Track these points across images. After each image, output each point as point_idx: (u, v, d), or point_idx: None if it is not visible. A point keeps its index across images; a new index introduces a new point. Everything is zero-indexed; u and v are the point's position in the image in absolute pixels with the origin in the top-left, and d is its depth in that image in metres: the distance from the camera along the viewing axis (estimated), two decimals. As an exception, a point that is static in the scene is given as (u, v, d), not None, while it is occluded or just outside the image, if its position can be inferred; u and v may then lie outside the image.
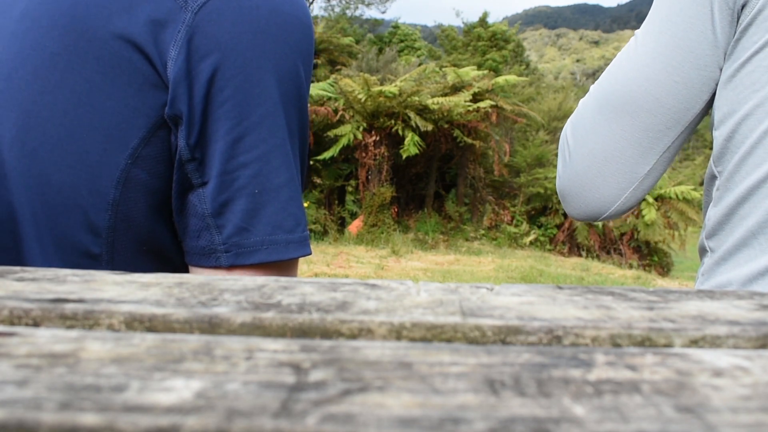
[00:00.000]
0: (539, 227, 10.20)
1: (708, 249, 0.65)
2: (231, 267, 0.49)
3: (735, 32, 0.59)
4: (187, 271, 0.56)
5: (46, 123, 0.46)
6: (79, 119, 0.46)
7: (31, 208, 0.47)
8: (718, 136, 0.62)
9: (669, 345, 0.22)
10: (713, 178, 0.65)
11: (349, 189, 11.53)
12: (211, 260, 0.49)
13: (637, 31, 0.67)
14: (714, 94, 0.62)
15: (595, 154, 0.66)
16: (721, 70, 0.60)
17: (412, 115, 9.07)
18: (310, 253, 0.52)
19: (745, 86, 0.59)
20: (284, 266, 0.51)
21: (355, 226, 9.78)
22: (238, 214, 0.48)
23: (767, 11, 0.56)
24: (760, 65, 0.57)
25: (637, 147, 0.64)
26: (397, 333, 0.22)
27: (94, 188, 0.47)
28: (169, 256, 0.54)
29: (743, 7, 0.58)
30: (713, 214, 0.64)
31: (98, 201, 0.48)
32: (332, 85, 9.66)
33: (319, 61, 13.27)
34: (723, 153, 0.62)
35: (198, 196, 0.49)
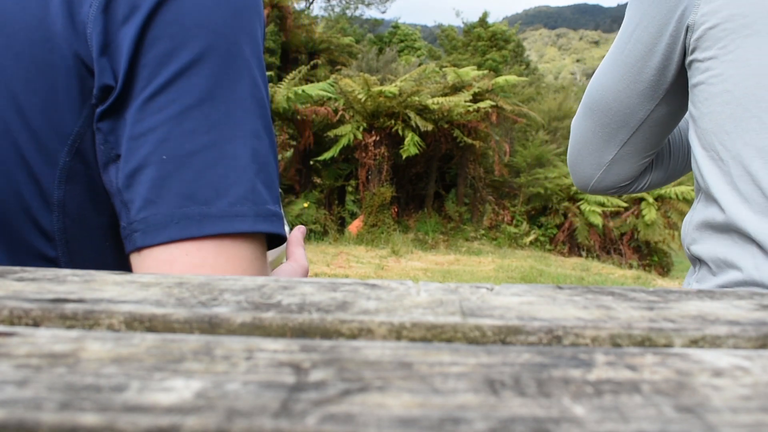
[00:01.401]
0: (539, 227, 10.20)
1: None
2: (149, 249, 0.43)
3: (684, 57, 0.69)
4: None
5: None
6: (10, 120, 0.43)
7: None
8: None
9: (669, 345, 0.22)
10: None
11: (349, 189, 11.53)
12: (129, 244, 0.44)
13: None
14: (661, 102, 0.73)
15: (576, 141, 0.82)
16: (662, 87, 0.72)
17: (412, 115, 9.07)
18: (259, 230, 0.44)
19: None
20: (222, 246, 0.43)
21: (355, 226, 9.79)
22: (146, 185, 0.42)
23: (706, 37, 0.64)
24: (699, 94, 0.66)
25: (599, 140, 0.78)
26: (397, 333, 0.22)
27: (37, 190, 0.45)
28: None
29: (690, 32, 0.66)
30: None
31: (43, 203, 0.45)
32: (332, 85, 9.66)
33: (320, 61, 13.27)
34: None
35: (113, 171, 0.44)
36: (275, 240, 0.49)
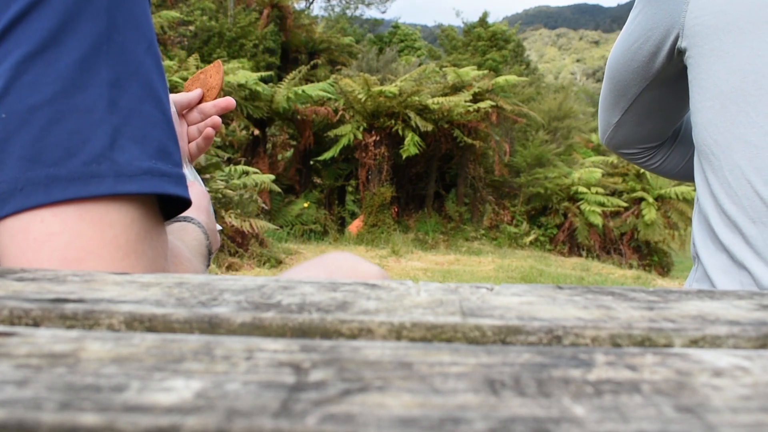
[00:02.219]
0: (539, 227, 10.20)
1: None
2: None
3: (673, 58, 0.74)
4: None
5: None
6: None
7: None
8: None
9: (669, 345, 0.22)
10: None
11: (349, 189, 11.53)
12: None
13: None
14: (654, 82, 0.79)
15: (600, 97, 0.91)
16: (651, 72, 0.77)
17: (412, 115, 9.07)
18: (120, 192, 0.38)
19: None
20: (85, 210, 0.38)
21: (355, 226, 9.78)
22: None
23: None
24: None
25: (609, 102, 0.87)
26: (397, 333, 0.22)
27: None
28: None
29: (682, 30, 0.69)
30: None
31: None
32: (332, 86, 9.66)
33: (320, 61, 13.27)
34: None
35: None
36: (178, 202, 0.44)
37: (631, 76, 0.79)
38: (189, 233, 0.60)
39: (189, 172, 0.81)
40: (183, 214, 0.60)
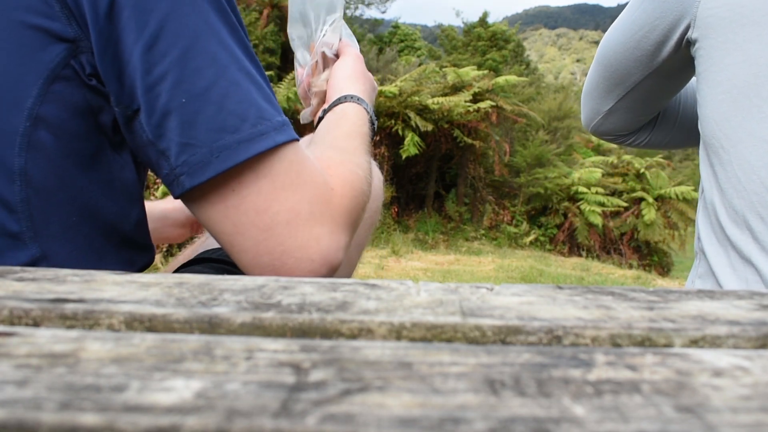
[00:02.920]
0: (539, 227, 10.19)
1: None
2: (199, 189, 0.46)
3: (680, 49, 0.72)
4: (136, 230, 0.53)
5: None
6: None
7: None
8: None
9: (669, 345, 0.22)
10: None
11: (349, 189, 11.49)
12: (176, 188, 0.46)
13: None
14: (653, 73, 0.78)
15: (586, 86, 0.89)
16: (656, 61, 0.75)
17: (412, 115, 9.07)
18: (277, 144, 0.46)
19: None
20: (257, 167, 0.46)
21: (355, 226, 9.75)
22: (176, 131, 0.44)
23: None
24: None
25: (600, 90, 0.85)
26: (397, 333, 0.22)
27: None
28: (110, 222, 0.50)
29: (693, 21, 0.68)
30: None
31: (3, 173, 0.44)
32: (332, 85, 9.64)
33: (319, 61, 13.23)
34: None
35: (139, 125, 0.45)
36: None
37: (632, 65, 0.77)
38: (348, 117, 0.63)
39: (346, 33, 0.76)
40: (341, 94, 0.65)
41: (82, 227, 0.48)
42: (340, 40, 0.74)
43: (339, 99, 0.65)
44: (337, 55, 0.73)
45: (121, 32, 0.43)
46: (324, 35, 0.72)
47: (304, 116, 0.76)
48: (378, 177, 0.75)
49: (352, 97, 0.65)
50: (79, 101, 0.45)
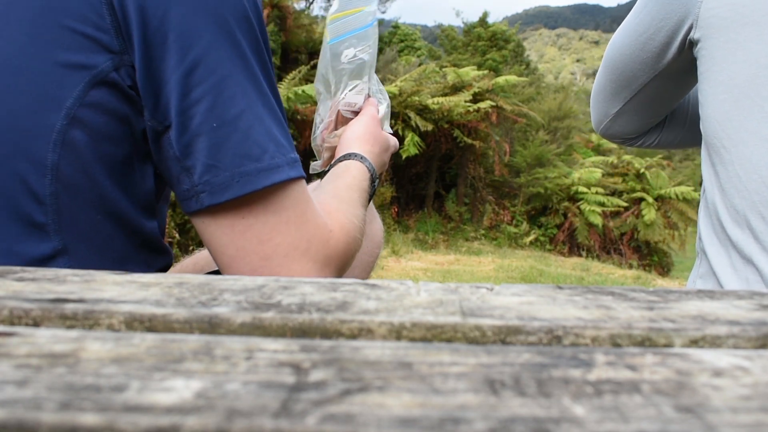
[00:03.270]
0: (539, 227, 10.19)
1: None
2: (214, 209, 0.49)
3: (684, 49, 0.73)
4: (155, 234, 0.55)
5: None
6: (5, 84, 0.46)
7: None
8: None
9: (669, 345, 0.22)
10: None
11: (349, 189, 11.49)
12: (194, 204, 0.49)
13: None
14: (659, 73, 0.78)
15: (594, 88, 0.90)
16: (661, 62, 0.76)
17: (412, 115, 9.07)
18: (290, 178, 0.50)
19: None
20: (268, 199, 0.50)
21: (355, 226, 9.75)
22: (203, 152, 0.48)
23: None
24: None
25: (608, 92, 0.86)
26: (397, 333, 0.22)
27: (30, 153, 0.46)
28: (129, 219, 0.52)
29: (695, 21, 0.68)
30: None
31: (36, 166, 0.46)
32: (332, 85, 9.64)
33: (319, 61, 13.24)
34: None
35: (167, 141, 0.48)
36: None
37: (638, 67, 0.78)
38: (350, 173, 0.67)
39: (376, 89, 0.80)
40: (347, 152, 0.70)
41: (104, 226, 0.50)
42: (369, 96, 0.78)
43: (345, 155, 0.70)
44: (357, 113, 0.78)
45: (164, 54, 0.47)
46: (344, 97, 0.77)
47: (314, 167, 0.81)
48: (379, 225, 0.80)
49: (356, 155, 0.69)
50: (115, 109, 0.48)
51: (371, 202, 0.71)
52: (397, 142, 0.79)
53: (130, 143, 0.50)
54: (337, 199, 0.61)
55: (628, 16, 0.79)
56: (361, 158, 0.69)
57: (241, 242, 0.49)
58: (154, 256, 0.56)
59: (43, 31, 0.46)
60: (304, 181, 0.53)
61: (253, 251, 0.50)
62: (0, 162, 0.46)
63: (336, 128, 0.78)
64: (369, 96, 0.78)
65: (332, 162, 0.71)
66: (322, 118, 0.80)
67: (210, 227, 0.50)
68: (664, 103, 0.84)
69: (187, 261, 0.80)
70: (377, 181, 0.70)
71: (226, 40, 0.48)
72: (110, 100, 0.48)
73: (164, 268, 0.58)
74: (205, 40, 0.47)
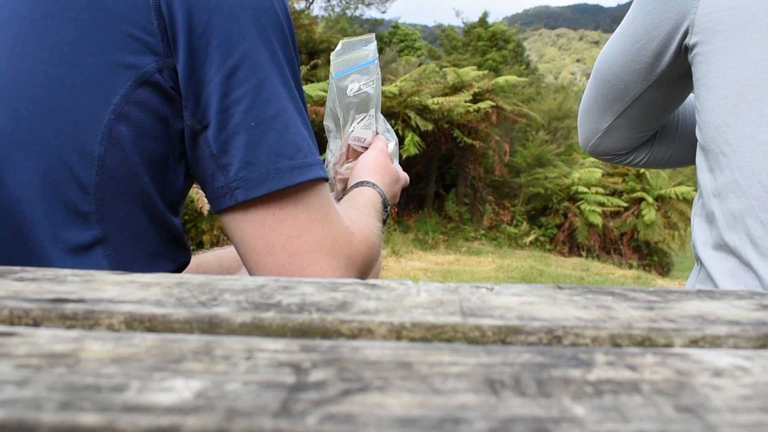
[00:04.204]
0: (539, 227, 10.19)
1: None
2: (246, 205, 0.51)
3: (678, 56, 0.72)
4: (180, 231, 0.58)
5: (25, 85, 0.49)
6: (59, 78, 0.49)
7: (24, 170, 0.49)
8: None
9: (669, 345, 0.22)
10: None
11: (349, 189, 11.48)
12: (227, 200, 0.51)
13: None
14: (653, 85, 0.77)
15: (582, 105, 0.89)
16: (655, 72, 0.75)
17: (412, 115, 9.06)
18: (320, 177, 0.53)
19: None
20: (298, 196, 0.52)
21: (355, 226, 9.74)
22: (241, 149, 0.50)
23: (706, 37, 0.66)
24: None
25: (598, 107, 0.84)
26: (397, 333, 0.22)
27: (79, 144, 0.49)
28: (161, 214, 0.55)
29: (691, 26, 0.68)
30: None
31: (84, 157, 0.49)
32: (332, 85, 9.63)
33: (320, 61, 13.26)
34: None
35: (204, 140, 0.51)
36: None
37: (631, 78, 0.77)
38: (364, 195, 0.71)
39: (383, 128, 0.83)
40: (360, 180, 0.75)
41: (140, 219, 0.53)
42: (377, 133, 0.82)
43: (357, 183, 0.74)
44: (366, 148, 0.82)
45: (207, 57, 0.50)
46: (353, 131, 0.81)
47: None
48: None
49: (368, 182, 0.74)
50: (157, 108, 0.51)
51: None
52: (408, 178, 0.83)
53: (167, 142, 0.53)
54: (356, 210, 0.64)
55: (618, 29, 0.78)
56: (373, 185, 0.73)
57: (270, 238, 0.52)
58: (179, 252, 0.59)
59: (97, 32, 0.49)
60: (327, 185, 0.56)
61: (281, 247, 0.52)
62: (51, 152, 0.49)
63: (347, 160, 0.82)
64: (377, 134, 0.81)
65: (345, 192, 0.74)
66: (334, 153, 0.83)
67: (241, 224, 0.52)
68: (657, 115, 0.83)
69: (208, 255, 0.82)
70: (389, 207, 0.74)
71: (263, 45, 0.52)
72: (153, 99, 0.50)
73: (185, 264, 0.61)
74: (245, 45, 0.51)
